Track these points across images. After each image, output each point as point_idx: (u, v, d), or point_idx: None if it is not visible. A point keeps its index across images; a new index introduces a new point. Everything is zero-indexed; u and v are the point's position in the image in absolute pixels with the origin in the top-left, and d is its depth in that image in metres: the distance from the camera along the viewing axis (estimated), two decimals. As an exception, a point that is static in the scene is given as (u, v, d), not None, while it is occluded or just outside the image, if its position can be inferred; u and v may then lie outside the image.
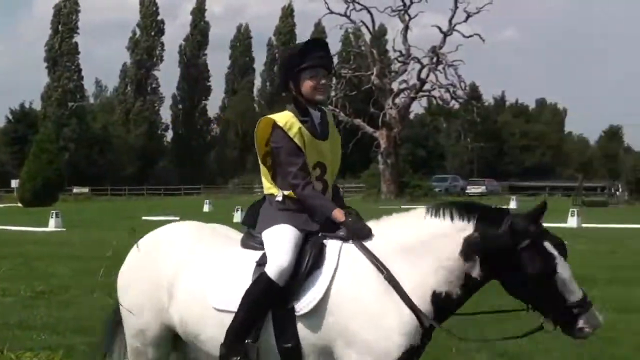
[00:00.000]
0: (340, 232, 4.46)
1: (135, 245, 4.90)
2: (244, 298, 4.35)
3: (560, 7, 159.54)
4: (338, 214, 4.47)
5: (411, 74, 60.78)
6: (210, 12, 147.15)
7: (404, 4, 60.07)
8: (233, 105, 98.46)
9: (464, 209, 4.34)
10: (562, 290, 4.12)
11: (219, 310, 4.44)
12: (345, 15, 60.29)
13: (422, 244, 4.31)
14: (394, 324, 4.16)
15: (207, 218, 24.00)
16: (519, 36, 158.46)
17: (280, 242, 4.43)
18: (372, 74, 60.11)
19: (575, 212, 29.12)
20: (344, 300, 4.25)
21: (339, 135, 4.88)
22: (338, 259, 4.36)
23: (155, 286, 4.70)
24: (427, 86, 60.70)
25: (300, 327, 4.28)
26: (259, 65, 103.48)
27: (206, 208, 42.37)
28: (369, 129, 59.42)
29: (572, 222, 28.20)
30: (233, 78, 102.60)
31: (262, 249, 4.52)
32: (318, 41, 4.82)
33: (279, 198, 4.60)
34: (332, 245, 4.43)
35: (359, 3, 59.98)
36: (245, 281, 4.42)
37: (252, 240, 4.65)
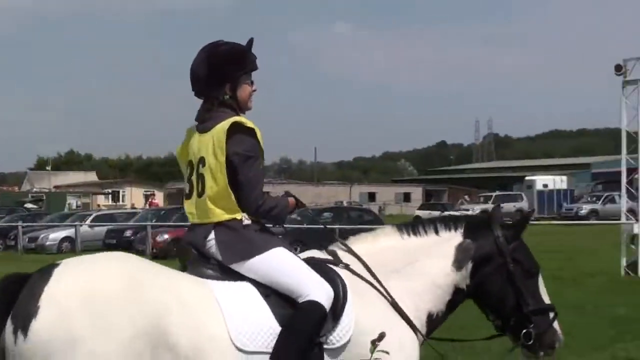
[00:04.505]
0: (328, 256, 4.19)
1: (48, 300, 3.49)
2: (293, 335, 3.79)
3: None
4: (292, 202, 4.19)
5: None
6: None
7: None
8: None
9: (449, 220, 4.35)
10: (542, 291, 4.30)
11: (248, 352, 3.76)
12: None
13: (411, 264, 4.20)
14: (413, 353, 4.07)
15: None
16: None
17: (302, 268, 3.96)
18: None
19: None
20: (365, 329, 3.91)
21: None
22: (347, 286, 4.02)
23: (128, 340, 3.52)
24: None
25: None
26: None
27: None
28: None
29: None
30: None
31: (231, 279, 3.91)
32: (251, 42, 4.16)
33: (248, 221, 3.99)
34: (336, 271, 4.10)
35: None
36: (260, 316, 3.83)
37: (209, 269, 3.94)
